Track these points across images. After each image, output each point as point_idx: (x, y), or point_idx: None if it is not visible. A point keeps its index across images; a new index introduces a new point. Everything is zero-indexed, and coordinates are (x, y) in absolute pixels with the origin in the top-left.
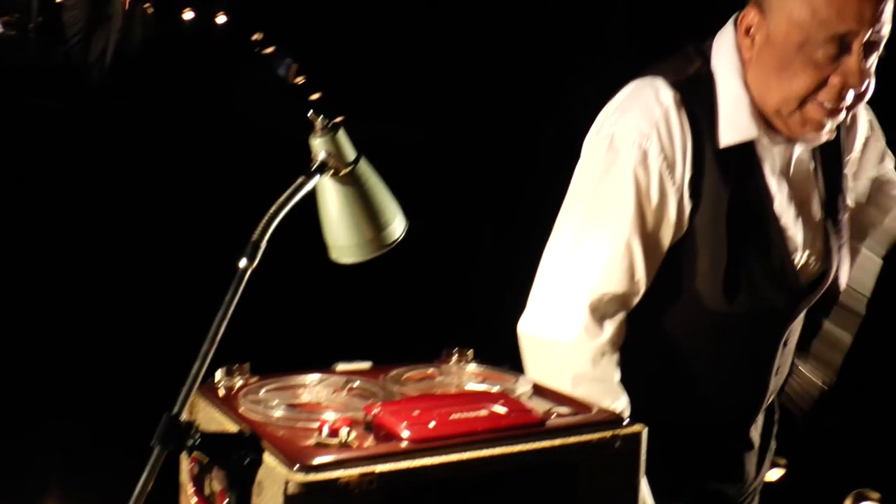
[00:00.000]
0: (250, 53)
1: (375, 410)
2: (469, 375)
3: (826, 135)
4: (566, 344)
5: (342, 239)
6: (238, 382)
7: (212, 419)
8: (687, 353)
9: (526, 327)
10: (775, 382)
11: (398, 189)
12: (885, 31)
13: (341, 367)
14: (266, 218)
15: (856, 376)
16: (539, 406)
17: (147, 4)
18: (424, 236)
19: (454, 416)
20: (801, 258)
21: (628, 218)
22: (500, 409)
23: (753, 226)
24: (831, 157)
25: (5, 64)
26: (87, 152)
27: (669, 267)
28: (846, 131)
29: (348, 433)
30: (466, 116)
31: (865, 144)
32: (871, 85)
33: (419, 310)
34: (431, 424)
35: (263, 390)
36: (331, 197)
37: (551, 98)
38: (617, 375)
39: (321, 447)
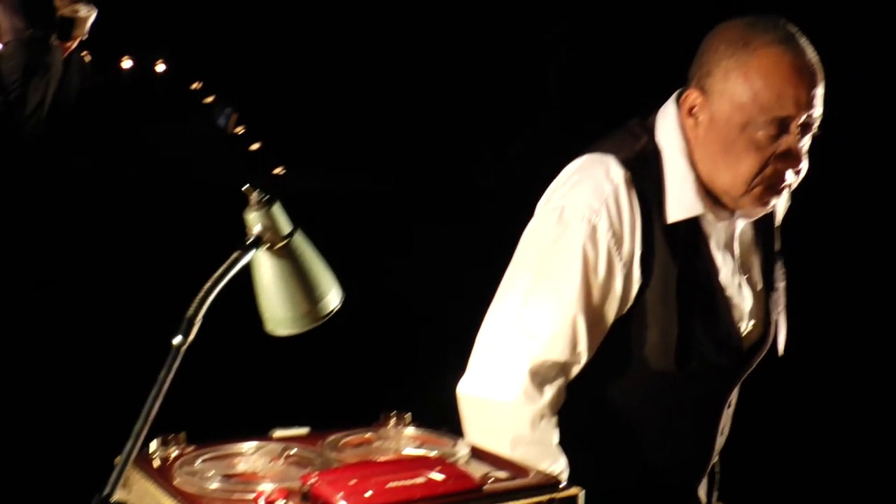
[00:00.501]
0: (190, 103)
1: (312, 480)
2: (407, 440)
3: (767, 210)
4: (506, 404)
5: (278, 312)
6: (174, 452)
7: (146, 493)
8: (636, 416)
9: (466, 388)
10: (720, 442)
11: (327, 243)
12: (818, 113)
13: (279, 433)
14: (201, 294)
15: (792, 424)
16: (477, 470)
17: (84, 52)
18: (363, 296)
19: (391, 485)
20: (745, 326)
21: (574, 291)
22: (437, 475)
23: (701, 298)
24: (766, 228)
25: None
26: (19, 207)
27: (620, 337)
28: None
29: None
30: (406, 171)
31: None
32: (806, 163)
33: (359, 372)
34: (368, 494)
35: (199, 460)
36: (266, 270)
37: (492, 153)
38: (555, 438)
39: None
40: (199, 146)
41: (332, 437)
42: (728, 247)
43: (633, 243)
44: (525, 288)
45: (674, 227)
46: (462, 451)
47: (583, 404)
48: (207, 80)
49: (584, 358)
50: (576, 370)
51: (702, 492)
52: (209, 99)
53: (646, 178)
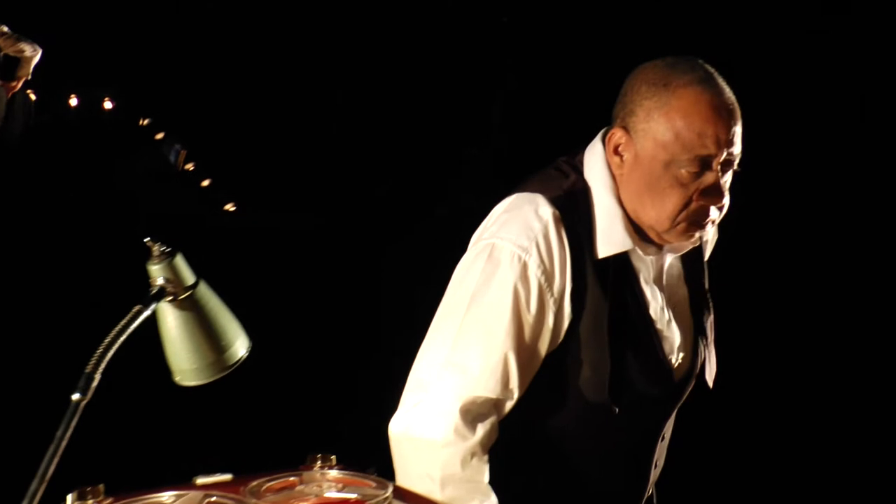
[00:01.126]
0: (138, 140)
1: None
2: (330, 483)
3: (692, 244)
4: (436, 443)
5: (184, 363)
6: None
7: None
8: (572, 448)
9: (396, 427)
10: (654, 474)
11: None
12: (738, 150)
13: (201, 480)
14: (100, 349)
15: (729, 454)
16: None
17: (29, 90)
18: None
19: None
20: (676, 359)
21: (505, 329)
22: None
23: (632, 332)
24: (693, 262)
25: None
26: None
27: (554, 370)
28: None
29: None
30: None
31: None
32: (728, 199)
33: (292, 415)
34: None
35: None
36: (170, 322)
37: (438, 191)
38: (486, 476)
39: None
40: (148, 182)
41: (254, 483)
42: (657, 281)
43: (564, 279)
44: (456, 326)
45: (604, 262)
46: (384, 492)
47: (519, 436)
48: (156, 116)
49: (516, 394)
50: (509, 406)
51: None
52: (159, 135)
53: (575, 215)
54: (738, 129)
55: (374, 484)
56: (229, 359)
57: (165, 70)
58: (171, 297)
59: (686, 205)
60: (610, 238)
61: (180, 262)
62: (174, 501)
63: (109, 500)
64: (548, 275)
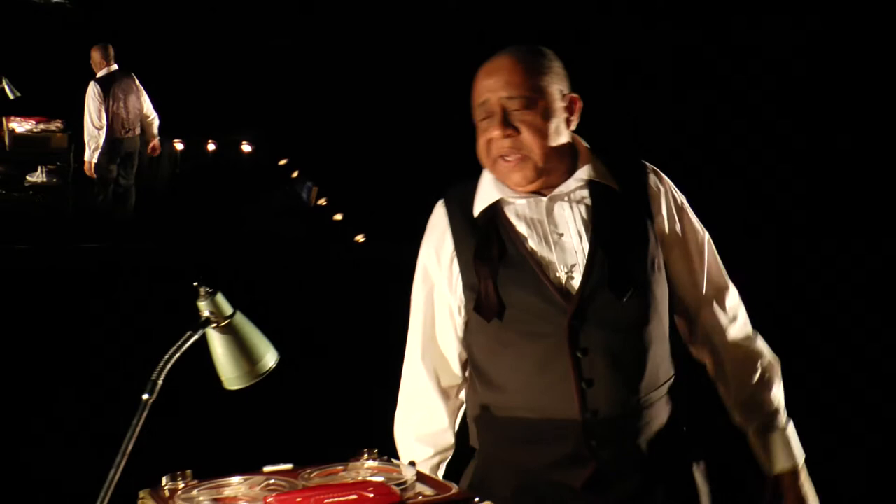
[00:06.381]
0: (276, 179)
1: (269, 500)
2: (366, 470)
3: (519, 179)
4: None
5: (227, 372)
6: (181, 485)
7: None
8: (502, 381)
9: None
10: (592, 394)
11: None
12: (514, 95)
13: (267, 468)
14: (162, 362)
15: None
16: (415, 490)
17: (176, 140)
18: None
19: (328, 500)
20: (561, 276)
21: (415, 298)
22: (367, 493)
23: (508, 257)
24: (610, 207)
25: (44, 211)
26: (114, 301)
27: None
28: (643, 194)
29: None
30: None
31: (668, 206)
32: (533, 135)
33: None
34: None
35: (196, 490)
36: (215, 342)
37: None
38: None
39: None
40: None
41: (307, 471)
42: (537, 220)
43: (447, 245)
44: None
45: (479, 218)
46: (407, 475)
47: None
48: (292, 156)
49: (455, 348)
50: (458, 361)
51: (604, 443)
52: (294, 174)
53: (461, 195)
54: (517, 79)
55: (401, 471)
56: (261, 368)
57: (294, 114)
58: (214, 325)
59: (486, 145)
60: (483, 197)
61: (221, 299)
62: (242, 483)
63: (195, 482)
64: (437, 249)
